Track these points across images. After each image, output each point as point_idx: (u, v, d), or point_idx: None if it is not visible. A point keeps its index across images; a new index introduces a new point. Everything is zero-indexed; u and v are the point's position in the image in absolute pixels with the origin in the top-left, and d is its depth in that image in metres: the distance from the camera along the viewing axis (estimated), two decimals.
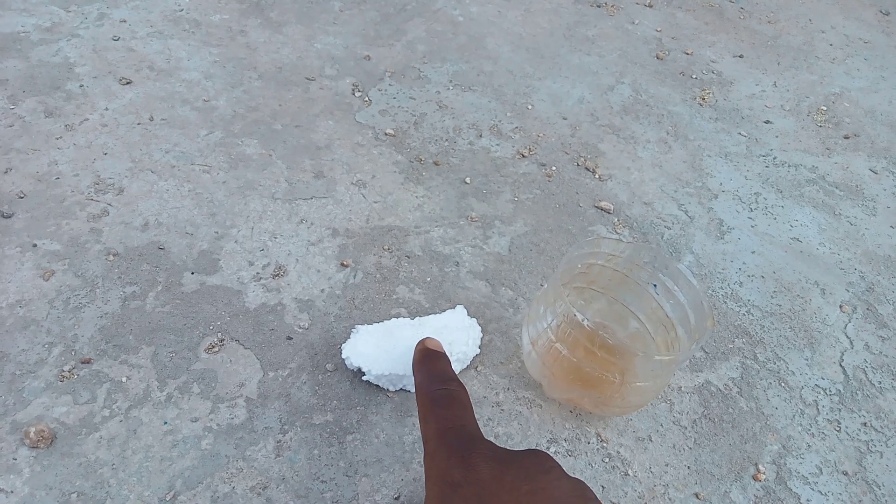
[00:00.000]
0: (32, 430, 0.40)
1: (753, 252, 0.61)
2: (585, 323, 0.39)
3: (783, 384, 0.51)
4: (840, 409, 0.50)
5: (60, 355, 0.45)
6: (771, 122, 0.77)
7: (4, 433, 0.41)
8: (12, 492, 0.38)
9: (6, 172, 0.56)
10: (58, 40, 0.70)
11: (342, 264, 0.54)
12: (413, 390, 0.46)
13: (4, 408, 0.42)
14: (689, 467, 0.45)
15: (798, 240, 0.63)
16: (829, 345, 0.54)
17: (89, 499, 0.39)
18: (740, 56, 0.87)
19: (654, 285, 0.46)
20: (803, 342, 0.54)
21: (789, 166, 0.71)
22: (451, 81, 0.74)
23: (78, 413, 0.42)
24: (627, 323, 0.48)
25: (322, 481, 0.41)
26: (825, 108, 0.80)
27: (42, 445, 0.40)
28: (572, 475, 0.43)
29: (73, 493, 0.39)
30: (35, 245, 0.51)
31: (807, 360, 0.53)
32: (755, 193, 0.67)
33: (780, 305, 0.57)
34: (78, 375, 0.44)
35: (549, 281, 0.44)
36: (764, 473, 0.45)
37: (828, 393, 0.51)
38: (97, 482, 0.39)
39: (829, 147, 0.75)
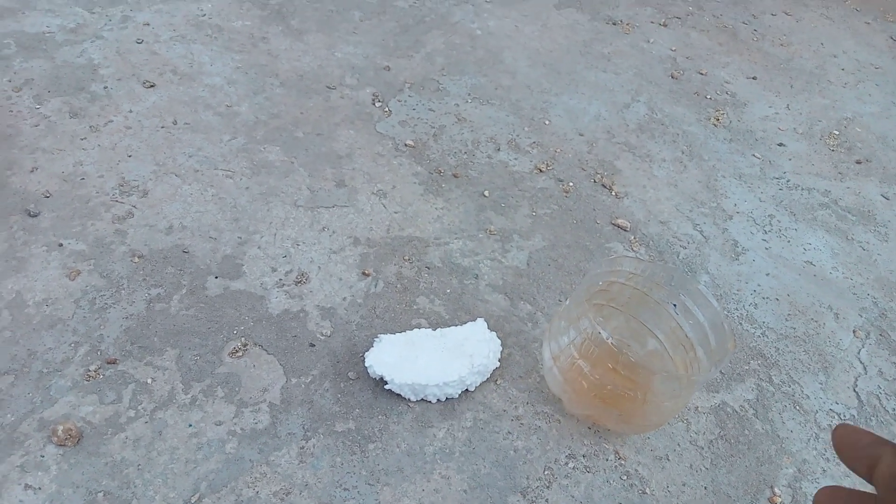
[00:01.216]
0: (60, 428, 0.40)
1: (768, 274, 0.62)
2: (609, 340, 0.40)
3: (798, 407, 0.52)
4: None
5: (86, 355, 0.45)
6: (784, 145, 0.78)
7: (32, 430, 0.41)
8: (40, 488, 0.39)
9: (32, 171, 0.56)
10: (82, 41, 0.71)
11: (364, 273, 0.54)
12: (434, 400, 0.47)
13: (32, 405, 0.42)
14: (705, 488, 0.46)
15: (812, 263, 0.64)
16: (842, 369, 0.55)
17: (115, 499, 0.39)
18: (754, 77, 0.88)
19: (674, 305, 0.46)
20: (818, 366, 0.55)
21: (802, 189, 0.72)
22: (469, 94, 0.75)
23: (104, 413, 0.43)
24: (646, 341, 0.48)
25: (344, 489, 0.42)
26: (837, 133, 0.81)
27: (69, 444, 0.40)
28: (591, 491, 0.44)
29: (100, 492, 0.39)
30: (61, 245, 0.51)
31: (821, 383, 0.54)
32: (769, 215, 0.68)
33: (795, 328, 0.57)
34: (104, 375, 0.44)
35: (572, 297, 0.45)
36: (780, 497, 0.46)
37: (842, 418, 0.52)
38: (123, 482, 0.40)
39: (841, 171, 0.76)
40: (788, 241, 0.66)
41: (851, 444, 0.39)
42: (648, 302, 0.47)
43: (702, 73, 0.87)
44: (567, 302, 0.46)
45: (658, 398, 0.41)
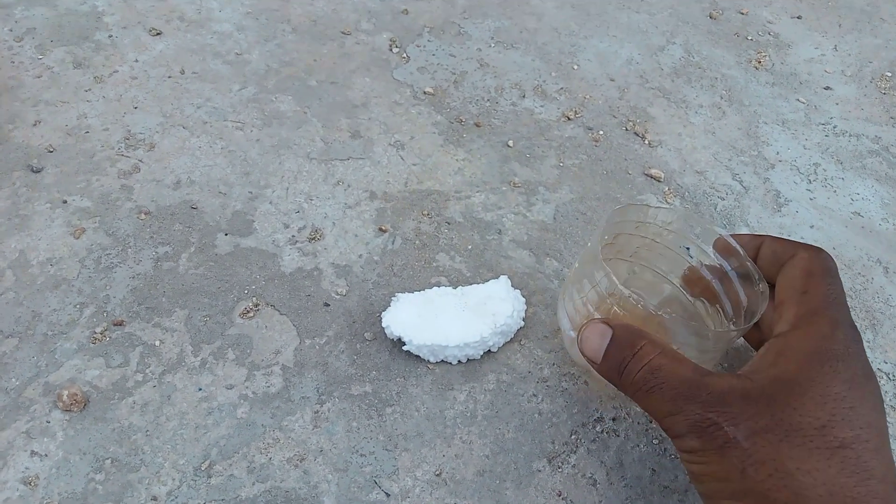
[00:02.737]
0: (65, 393, 0.39)
1: (812, 227, 0.57)
2: (629, 296, 0.37)
3: None
4: None
5: (92, 316, 0.43)
6: (831, 89, 0.72)
7: (38, 395, 0.40)
8: (46, 455, 0.37)
9: (35, 125, 0.54)
10: None
11: (380, 229, 0.51)
12: (454, 362, 0.44)
13: (37, 368, 0.41)
14: None
15: (860, 214, 0.59)
16: (892, 326, 0.51)
17: (123, 465, 0.37)
18: (798, 17, 0.82)
19: (687, 248, 0.43)
20: (865, 323, 0.51)
21: (850, 136, 0.67)
22: (492, 38, 0.71)
23: (111, 377, 0.41)
24: (662, 289, 0.45)
25: (361, 454, 0.40)
26: (890, 75, 0.75)
27: (75, 409, 0.39)
28: (620, 456, 0.41)
29: (108, 458, 0.38)
30: (65, 201, 0.49)
31: (868, 341, 0.50)
32: (814, 164, 0.63)
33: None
34: (110, 338, 0.43)
35: (581, 257, 0.41)
36: None
37: (891, 378, 0.48)
38: (131, 448, 0.38)
39: (893, 116, 0.70)
40: (835, 191, 0.61)
41: (739, 241, 0.40)
42: (658, 248, 0.44)
43: (742, 13, 0.81)
44: (576, 264, 0.43)
45: (684, 352, 0.38)
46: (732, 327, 0.39)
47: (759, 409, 0.29)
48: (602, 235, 0.42)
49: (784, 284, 0.36)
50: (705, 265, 0.42)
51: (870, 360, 0.40)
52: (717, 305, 0.42)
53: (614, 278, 0.37)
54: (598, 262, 0.38)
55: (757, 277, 0.39)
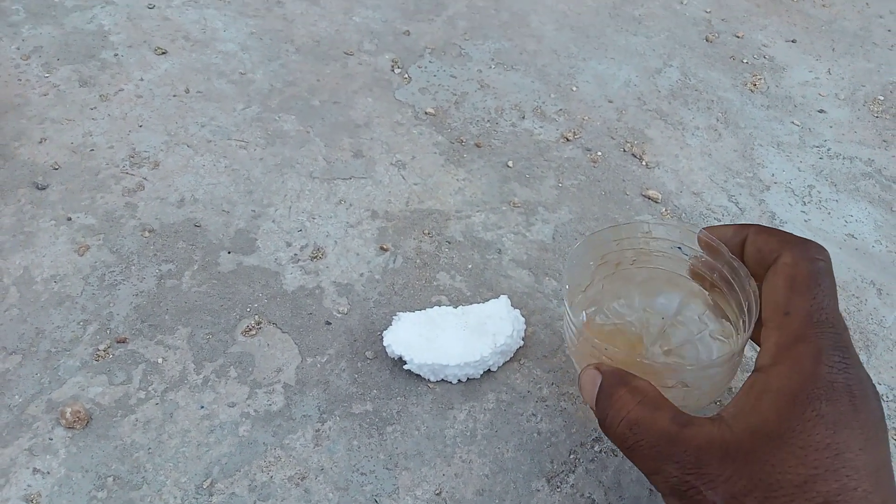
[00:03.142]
0: (68, 410, 0.39)
1: None
2: (602, 346, 0.37)
3: None
4: None
5: (95, 333, 0.44)
6: (825, 112, 0.73)
7: (40, 412, 0.40)
8: (49, 472, 0.38)
9: (41, 142, 0.55)
10: (92, 7, 0.69)
11: (382, 248, 0.52)
12: (454, 381, 0.45)
13: (40, 386, 0.41)
14: None
15: (853, 236, 0.60)
16: (885, 348, 0.52)
17: (125, 483, 0.38)
18: (793, 41, 0.83)
19: (679, 248, 0.42)
20: (859, 344, 0.52)
21: (844, 158, 0.68)
22: (493, 60, 0.72)
23: (113, 394, 0.41)
24: (680, 283, 0.43)
25: (361, 473, 0.40)
26: (882, 98, 0.77)
27: (78, 426, 0.39)
28: (619, 476, 0.42)
29: (110, 476, 0.38)
30: (70, 218, 0.50)
31: (863, 362, 0.51)
32: (808, 186, 0.64)
33: None
34: (113, 355, 0.43)
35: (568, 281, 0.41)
36: None
37: (885, 399, 0.49)
38: (133, 466, 0.38)
39: (885, 139, 0.71)
40: (829, 213, 0.62)
41: (720, 236, 0.40)
42: (653, 254, 0.43)
43: (738, 36, 0.82)
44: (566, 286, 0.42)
45: (698, 384, 0.38)
46: (713, 360, 0.39)
47: (738, 468, 0.28)
48: (572, 273, 0.42)
49: (766, 299, 0.33)
50: (702, 261, 0.41)
51: None
52: (733, 296, 0.40)
53: (586, 332, 0.38)
54: (588, 338, 0.38)
55: (743, 275, 0.37)
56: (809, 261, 0.32)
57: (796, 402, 0.28)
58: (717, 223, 0.59)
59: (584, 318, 0.43)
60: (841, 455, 0.26)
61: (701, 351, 0.41)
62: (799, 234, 0.59)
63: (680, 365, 0.40)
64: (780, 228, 0.41)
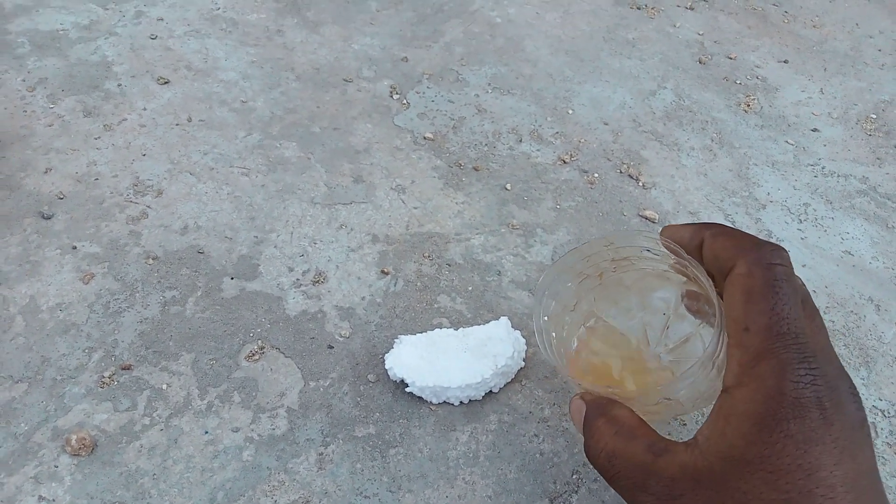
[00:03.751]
0: (74, 437, 0.39)
1: (804, 266, 0.59)
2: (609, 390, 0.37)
3: None
4: None
5: (101, 361, 0.44)
6: (818, 131, 0.74)
7: (46, 440, 0.40)
8: (54, 500, 0.38)
9: (46, 172, 0.55)
10: (96, 38, 0.70)
11: (383, 272, 0.53)
12: (456, 403, 0.45)
13: (46, 413, 0.41)
14: None
15: (850, 253, 0.61)
16: (885, 364, 0.52)
17: None
18: (785, 61, 0.85)
19: (648, 250, 0.41)
20: (859, 361, 0.52)
21: (839, 176, 0.69)
22: (489, 84, 0.73)
23: (118, 420, 0.42)
24: (671, 277, 0.42)
25: (365, 496, 0.40)
26: (874, 117, 0.78)
27: (83, 453, 0.39)
28: (620, 500, 0.42)
29: (115, 502, 0.38)
30: (75, 247, 0.51)
31: (863, 379, 0.51)
32: (804, 204, 0.65)
33: (834, 322, 0.55)
34: (118, 382, 0.43)
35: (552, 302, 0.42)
36: None
37: (886, 415, 0.49)
38: (138, 492, 0.39)
39: (879, 157, 0.72)
40: (825, 231, 0.63)
41: (678, 239, 0.38)
42: (627, 260, 0.42)
43: (731, 58, 0.84)
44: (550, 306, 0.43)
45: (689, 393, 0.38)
46: (681, 373, 0.38)
47: (710, 498, 0.27)
48: (550, 297, 0.42)
49: (727, 314, 0.31)
50: (676, 260, 0.39)
51: (864, 398, 0.40)
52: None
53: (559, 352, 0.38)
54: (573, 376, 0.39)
55: (704, 280, 0.35)
56: (765, 268, 0.30)
57: (763, 426, 0.27)
58: None
59: (584, 334, 0.43)
60: (813, 475, 0.26)
61: (705, 343, 0.40)
62: (796, 252, 0.60)
63: (651, 387, 0.40)
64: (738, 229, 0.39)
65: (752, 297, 0.29)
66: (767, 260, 0.30)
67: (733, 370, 0.29)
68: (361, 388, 0.45)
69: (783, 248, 0.32)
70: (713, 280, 0.35)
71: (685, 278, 0.41)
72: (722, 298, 0.33)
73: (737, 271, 0.31)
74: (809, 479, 0.25)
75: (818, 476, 0.26)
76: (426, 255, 0.54)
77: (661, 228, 0.39)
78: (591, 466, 0.42)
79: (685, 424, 0.46)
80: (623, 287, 0.44)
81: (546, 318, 0.41)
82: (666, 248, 0.38)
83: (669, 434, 0.46)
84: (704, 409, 0.44)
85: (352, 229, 0.55)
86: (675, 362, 0.40)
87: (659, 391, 0.36)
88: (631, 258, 0.42)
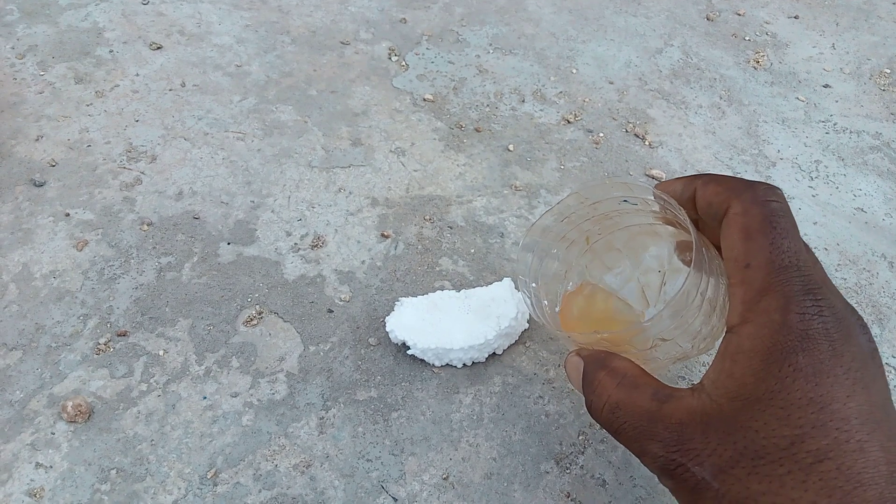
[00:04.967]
0: (70, 404, 0.39)
1: (815, 223, 0.57)
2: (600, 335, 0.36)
3: None
4: None
5: (96, 328, 0.43)
6: (830, 87, 0.72)
7: (42, 406, 0.39)
8: (51, 467, 0.37)
9: (37, 140, 0.54)
10: (86, 5, 0.68)
11: (383, 235, 0.51)
12: (459, 365, 0.44)
13: (41, 381, 0.41)
14: None
15: (862, 210, 0.59)
16: None
17: (129, 475, 0.37)
18: (795, 17, 0.82)
19: (626, 200, 0.39)
20: (871, 318, 0.51)
21: (851, 132, 0.67)
22: (490, 45, 0.71)
23: (115, 387, 0.41)
24: (659, 230, 0.41)
25: (367, 460, 0.39)
26: (888, 71, 0.75)
27: (80, 420, 0.39)
28: (629, 455, 0.41)
29: (113, 469, 0.37)
30: (68, 214, 0.50)
31: (876, 336, 0.50)
32: (815, 161, 0.63)
33: (846, 279, 0.53)
34: (114, 348, 0.43)
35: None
36: None
37: None
38: (136, 458, 0.38)
39: (893, 112, 0.70)
40: (837, 188, 0.61)
41: (671, 194, 0.37)
42: (608, 216, 0.41)
43: (739, 14, 0.81)
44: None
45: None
46: (667, 300, 0.35)
47: (721, 439, 0.26)
48: (532, 266, 0.40)
49: (726, 255, 0.30)
50: (662, 207, 0.37)
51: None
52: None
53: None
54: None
55: (681, 215, 0.34)
56: (761, 204, 0.29)
57: (770, 361, 0.26)
58: None
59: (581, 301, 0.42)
60: (826, 408, 0.25)
61: (700, 289, 0.38)
62: (808, 209, 0.58)
63: (636, 320, 0.38)
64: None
65: (751, 234, 0.29)
66: (762, 197, 0.30)
67: (736, 308, 0.29)
68: (362, 351, 0.44)
69: (777, 187, 0.31)
70: (710, 230, 0.34)
71: (674, 228, 0.39)
72: (720, 244, 0.32)
73: (732, 212, 0.30)
74: (822, 413, 0.25)
75: (831, 409, 0.25)
76: (427, 217, 0.53)
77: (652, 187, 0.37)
78: (597, 426, 0.41)
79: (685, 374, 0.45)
80: (614, 250, 0.42)
81: (535, 284, 0.40)
82: (658, 197, 0.36)
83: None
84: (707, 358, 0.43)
85: (350, 193, 0.54)
86: (627, 329, 0.38)
87: (647, 327, 0.35)
88: (610, 213, 0.40)
